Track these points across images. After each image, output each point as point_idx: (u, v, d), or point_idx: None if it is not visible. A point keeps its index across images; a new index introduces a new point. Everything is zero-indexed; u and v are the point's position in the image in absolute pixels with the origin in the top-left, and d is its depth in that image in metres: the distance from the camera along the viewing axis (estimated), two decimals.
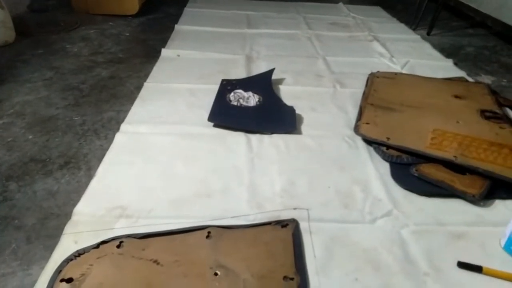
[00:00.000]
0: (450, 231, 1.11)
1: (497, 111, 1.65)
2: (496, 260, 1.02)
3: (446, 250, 1.05)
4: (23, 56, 2.22)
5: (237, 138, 1.49)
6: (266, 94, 1.78)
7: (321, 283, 0.94)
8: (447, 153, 1.34)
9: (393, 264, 1.00)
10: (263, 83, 1.87)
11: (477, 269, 0.99)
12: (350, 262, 1.01)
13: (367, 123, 1.55)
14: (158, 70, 2.05)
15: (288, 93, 1.85)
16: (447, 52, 2.55)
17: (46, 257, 0.98)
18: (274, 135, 1.52)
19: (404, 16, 3.13)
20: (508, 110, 1.75)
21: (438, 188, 1.24)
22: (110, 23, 2.85)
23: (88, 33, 2.64)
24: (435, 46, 2.59)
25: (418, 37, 2.75)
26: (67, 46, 2.40)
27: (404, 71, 2.15)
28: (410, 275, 0.98)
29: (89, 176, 1.29)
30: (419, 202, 1.22)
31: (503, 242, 1.06)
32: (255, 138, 1.50)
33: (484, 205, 1.22)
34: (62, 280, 0.90)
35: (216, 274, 0.93)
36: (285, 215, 1.13)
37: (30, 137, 1.51)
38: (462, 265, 1.00)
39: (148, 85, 1.87)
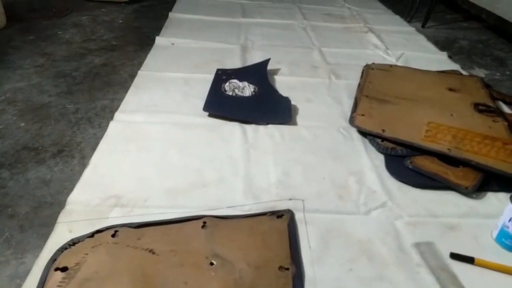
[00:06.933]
0: (443, 223, 1.13)
1: (491, 104, 1.66)
2: (488, 252, 1.04)
3: (439, 242, 1.06)
4: (14, 42, 2.17)
5: (232, 128, 1.48)
6: (262, 84, 1.77)
7: (316, 273, 0.95)
8: (441, 146, 1.35)
9: (387, 255, 1.01)
10: (258, 73, 1.86)
11: (469, 260, 1.00)
12: (344, 252, 1.02)
13: (362, 115, 1.55)
14: (152, 58, 2.02)
15: (283, 84, 1.85)
16: (441, 45, 2.55)
17: (40, 246, 0.97)
18: (270, 126, 1.51)
19: (399, 8, 3.12)
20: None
21: (432, 180, 1.25)
22: (103, 9, 2.80)
23: (80, 19, 2.60)
24: (430, 38, 2.59)
25: (413, 29, 2.75)
26: (59, 32, 2.36)
27: (399, 63, 2.15)
28: (403, 266, 0.99)
29: (83, 164, 1.28)
30: (413, 194, 1.23)
31: (495, 234, 1.08)
32: (250, 128, 1.49)
33: (476, 198, 1.23)
34: (56, 269, 0.89)
35: (212, 263, 0.93)
36: (281, 206, 1.14)
37: (22, 124, 1.49)
38: (455, 256, 1.01)
39: (142, 73, 1.85)
